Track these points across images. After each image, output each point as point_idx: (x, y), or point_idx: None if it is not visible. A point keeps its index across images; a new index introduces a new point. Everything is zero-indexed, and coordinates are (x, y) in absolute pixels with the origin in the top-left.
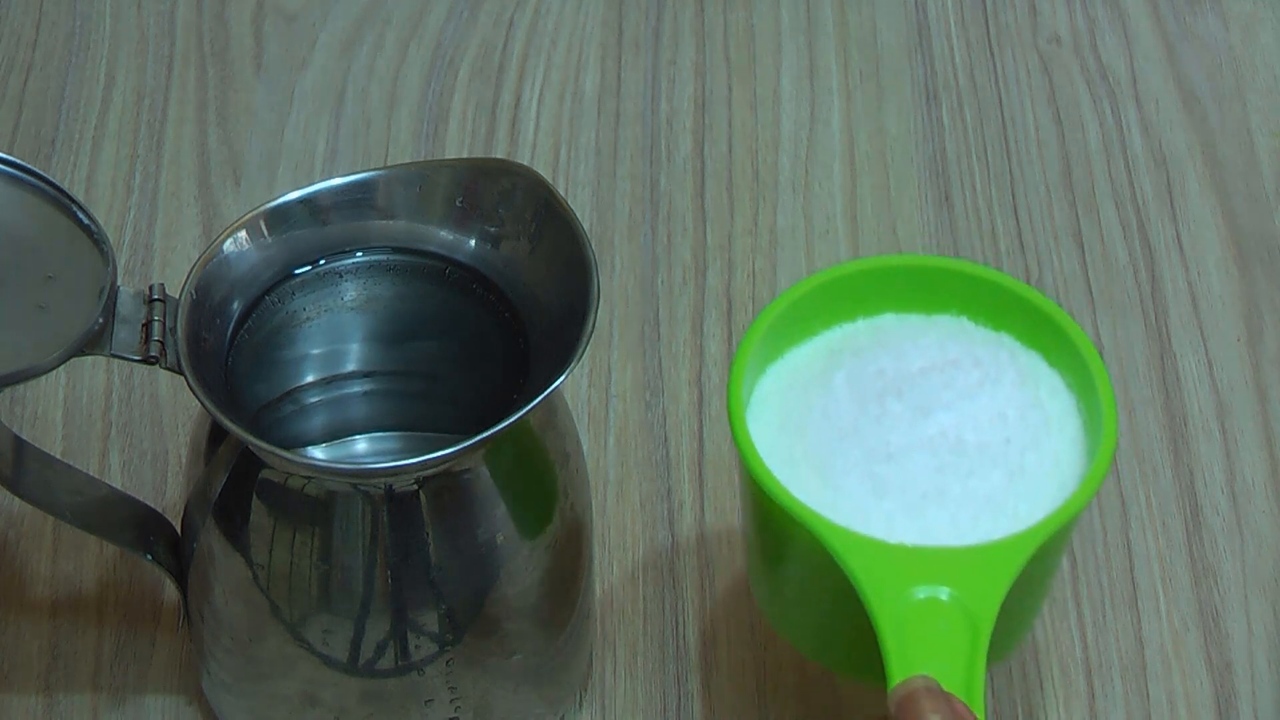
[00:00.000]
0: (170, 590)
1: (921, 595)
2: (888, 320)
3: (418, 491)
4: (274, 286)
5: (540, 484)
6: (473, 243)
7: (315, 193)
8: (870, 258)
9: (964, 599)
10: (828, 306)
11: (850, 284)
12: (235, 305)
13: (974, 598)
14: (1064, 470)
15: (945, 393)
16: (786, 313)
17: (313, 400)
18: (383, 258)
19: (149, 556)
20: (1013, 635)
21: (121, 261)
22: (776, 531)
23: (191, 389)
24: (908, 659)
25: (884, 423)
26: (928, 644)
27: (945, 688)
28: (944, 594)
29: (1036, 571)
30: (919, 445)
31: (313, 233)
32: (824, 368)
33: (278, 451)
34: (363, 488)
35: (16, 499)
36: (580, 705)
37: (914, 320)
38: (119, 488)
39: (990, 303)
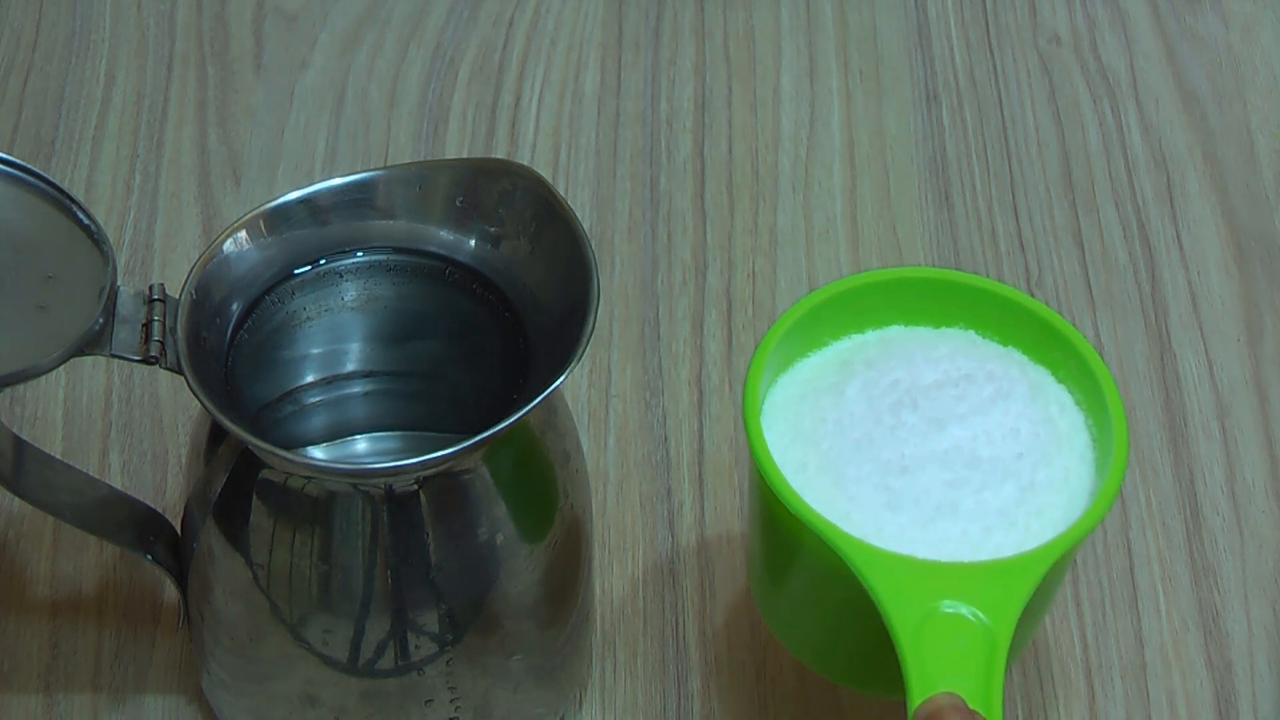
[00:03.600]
0: (170, 590)
1: (942, 610)
2: (896, 332)
3: (418, 491)
4: (274, 286)
5: (540, 484)
6: (473, 243)
7: (315, 193)
8: (880, 270)
9: (982, 613)
10: (837, 318)
11: (860, 296)
12: (235, 305)
13: (992, 612)
14: (1073, 485)
15: (959, 406)
16: (799, 324)
17: (313, 400)
18: (383, 258)
19: (149, 556)
20: (1015, 647)
21: (121, 261)
22: (788, 541)
23: (191, 389)
24: (928, 674)
25: (899, 434)
26: (947, 659)
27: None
28: (963, 609)
29: (1046, 586)
30: (933, 458)
31: (313, 233)
32: (836, 378)
33: (278, 451)
34: (363, 488)
35: (16, 499)
36: (580, 705)
37: (922, 333)
38: (119, 488)
39: (998, 317)
